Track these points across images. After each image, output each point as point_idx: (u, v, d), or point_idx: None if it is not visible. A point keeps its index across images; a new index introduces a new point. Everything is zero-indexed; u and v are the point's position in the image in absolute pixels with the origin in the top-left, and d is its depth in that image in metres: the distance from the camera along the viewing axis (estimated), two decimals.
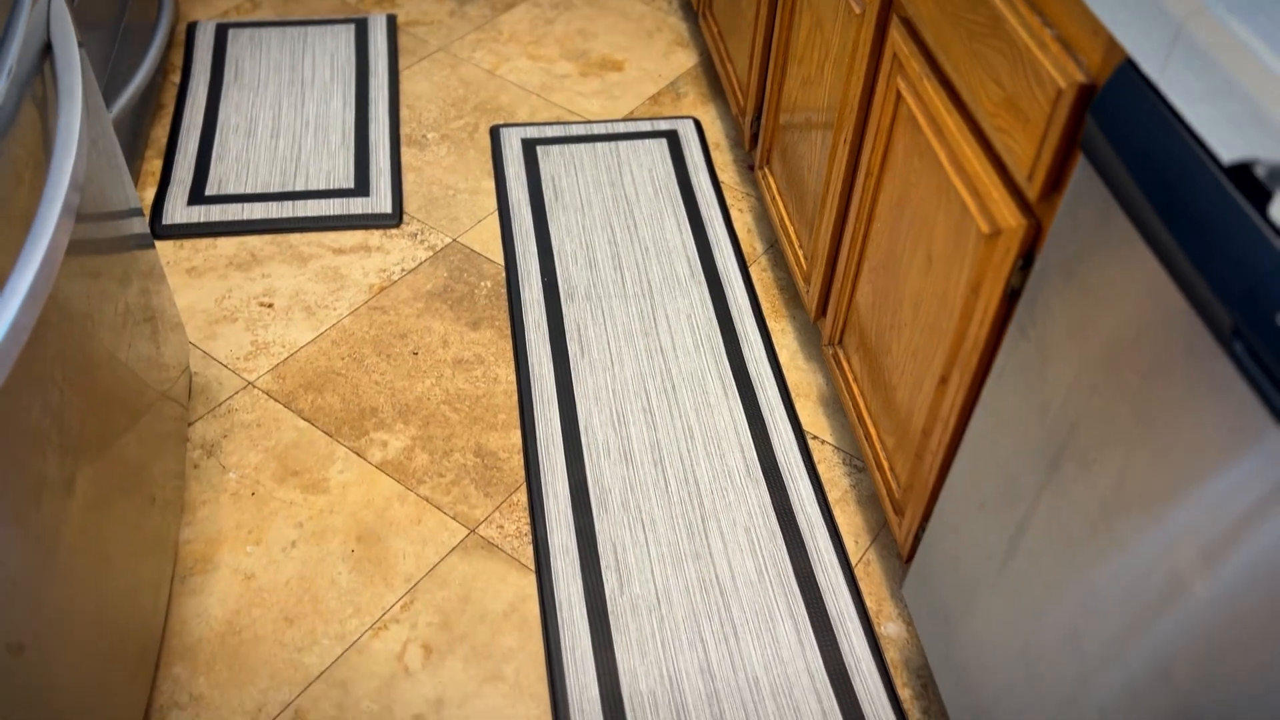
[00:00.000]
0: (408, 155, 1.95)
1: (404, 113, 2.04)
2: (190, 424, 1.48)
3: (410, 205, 1.84)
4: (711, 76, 2.18)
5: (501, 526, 1.38)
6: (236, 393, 1.52)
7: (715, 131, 2.04)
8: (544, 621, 1.28)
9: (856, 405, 1.38)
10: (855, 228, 1.33)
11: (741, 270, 1.75)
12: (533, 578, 1.33)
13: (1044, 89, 0.84)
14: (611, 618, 1.28)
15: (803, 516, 1.41)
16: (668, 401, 1.54)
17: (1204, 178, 0.67)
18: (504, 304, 1.68)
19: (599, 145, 1.98)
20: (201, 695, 1.21)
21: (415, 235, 1.79)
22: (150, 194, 1.83)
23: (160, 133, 1.96)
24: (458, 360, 1.59)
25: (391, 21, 2.25)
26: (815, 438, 1.52)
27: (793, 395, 1.58)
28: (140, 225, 1.33)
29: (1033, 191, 0.88)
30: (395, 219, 1.81)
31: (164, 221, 1.77)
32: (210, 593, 1.30)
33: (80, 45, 1.09)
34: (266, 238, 1.76)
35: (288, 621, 1.27)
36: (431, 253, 1.76)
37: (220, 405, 1.51)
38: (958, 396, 1.06)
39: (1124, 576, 0.79)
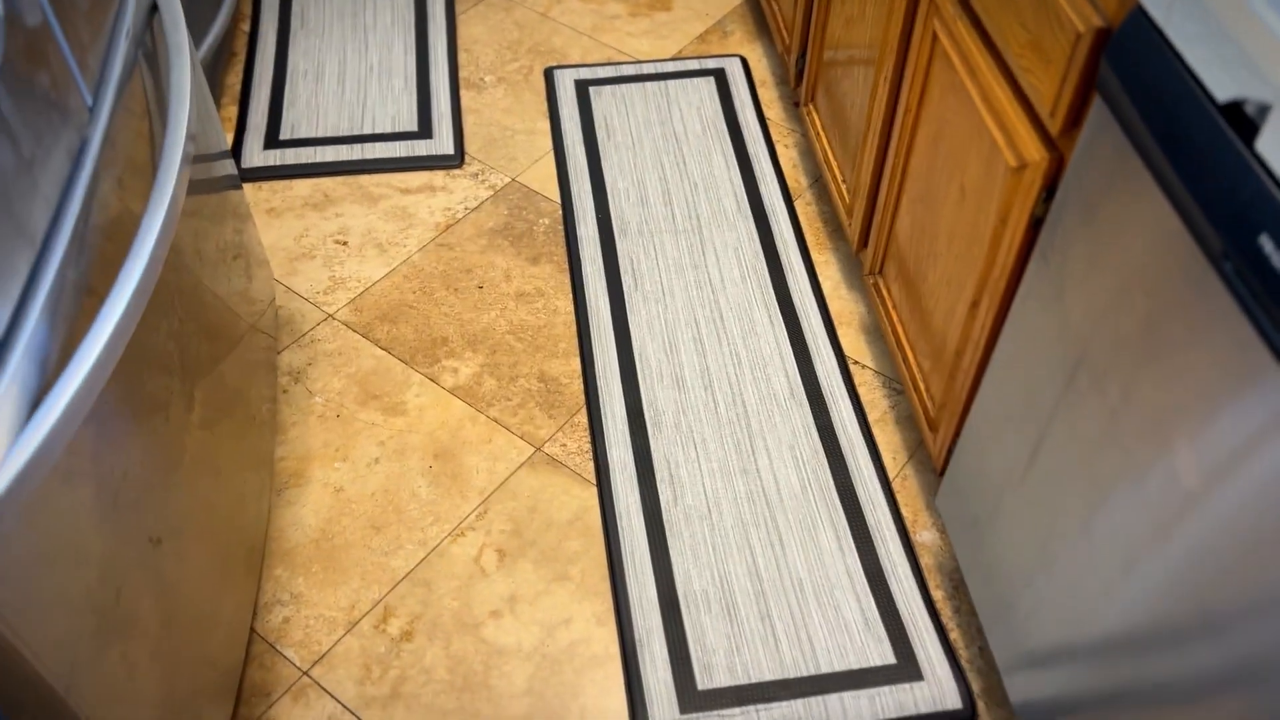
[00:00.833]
0: (467, 98, 2.04)
1: (462, 56, 2.13)
2: (278, 353, 1.61)
3: (471, 146, 1.94)
4: (757, 15, 2.23)
5: (565, 445, 1.50)
6: (318, 324, 1.65)
7: (761, 69, 2.11)
8: (605, 529, 1.40)
9: (895, 331, 1.47)
10: (895, 162, 1.40)
11: (787, 204, 1.83)
12: (594, 490, 1.45)
13: (1065, 32, 0.91)
14: (667, 526, 1.40)
15: (844, 435, 1.51)
16: (716, 330, 1.64)
17: (1201, 114, 0.74)
18: (561, 240, 1.78)
19: (649, 85, 2.05)
20: (300, 593, 1.35)
21: (476, 175, 1.89)
22: (229, 139, 1.95)
23: (233, 79, 2.07)
24: (520, 293, 1.70)
25: None
26: (856, 362, 1.62)
27: (835, 323, 1.67)
28: (230, 167, 1.44)
29: (1055, 127, 0.96)
30: (457, 160, 1.91)
31: (243, 165, 1.89)
32: (304, 504, 1.44)
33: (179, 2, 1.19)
34: (338, 179, 1.88)
35: (374, 529, 1.41)
36: (492, 192, 1.86)
37: (304, 336, 1.64)
38: (987, 319, 1.15)
39: (1129, 474, 0.88)
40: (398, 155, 1.91)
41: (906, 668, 1.28)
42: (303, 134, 1.94)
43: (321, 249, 1.76)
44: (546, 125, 1.99)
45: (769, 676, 1.27)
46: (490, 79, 2.08)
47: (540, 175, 1.89)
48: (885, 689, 1.26)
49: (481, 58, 2.13)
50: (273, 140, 1.93)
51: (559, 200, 1.85)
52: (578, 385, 1.58)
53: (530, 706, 1.25)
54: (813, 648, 1.29)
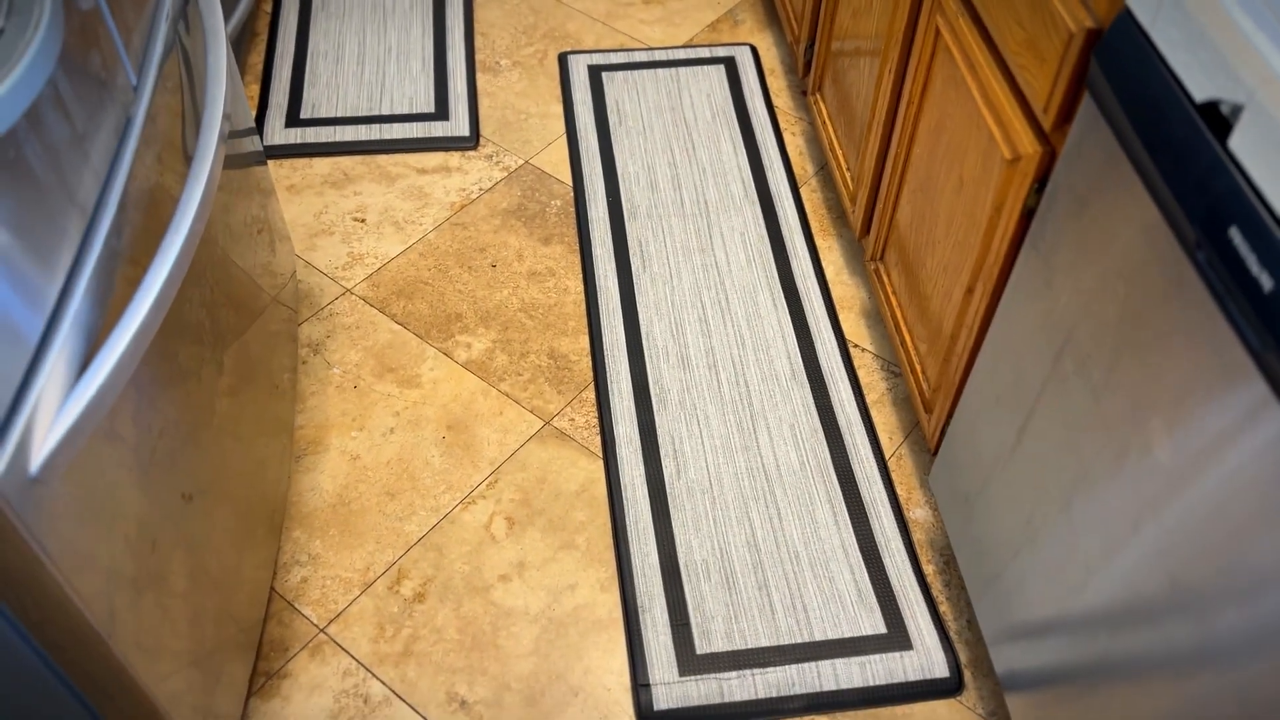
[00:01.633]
0: (482, 81, 2.09)
1: (478, 40, 2.18)
2: (299, 325, 1.67)
3: (486, 129, 1.99)
4: (768, 4, 2.27)
5: (573, 419, 1.56)
6: (336, 298, 1.71)
7: (770, 58, 2.15)
8: (610, 500, 1.46)
9: (894, 315, 1.52)
10: (897, 152, 1.45)
11: (793, 191, 1.88)
12: (600, 463, 1.51)
13: (1058, 32, 0.96)
14: (670, 498, 1.46)
15: (842, 415, 1.56)
16: (721, 312, 1.69)
17: (1180, 113, 0.79)
18: (572, 221, 1.83)
19: (660, 71, 2.10)
20: (318, 555, 1.41)
21: (491, 157, 1.94)
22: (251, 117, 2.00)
23: (255, 59, 2.12)
24: (531, 272, 1.75)
25: None
26: (856, 345, 1.67)
27: (837, 307, 1.72)
28: (256, 144, 1.49)
29: (1048, 122, 1.00)
30: (472, 142, 1.96)
31: (265, 143, 1.94)
32: (322, 470, 1.50)
33: None
34: (357, 158, 1.93)
35: (389, 495, 1.47)
36: (506, 173, 1.91)
37: (323, 309, 1.69)
38: (981, 305, 1.20)
39: (1107, 450, 0.93)
40: (415, 136, 1.96)
41: (896, 637, 1.33)
42: (323, 113, 1.99)
43: (340, 226, 1.82)
44: (560, 109, 2.04)
45: (765, 643, 1.33)
46: (505, 63, 2.13)
47: (553, 158, 1.94)
48: (875, 657, 1.32)
49: (497, 42, 2.18)
50: (294, 119, 1.98)
51: (570, 183, 1.90)
52: (586, 362, 1.63)
53: (536, 666, 1.31)
54: (807, 616, 1.35)
